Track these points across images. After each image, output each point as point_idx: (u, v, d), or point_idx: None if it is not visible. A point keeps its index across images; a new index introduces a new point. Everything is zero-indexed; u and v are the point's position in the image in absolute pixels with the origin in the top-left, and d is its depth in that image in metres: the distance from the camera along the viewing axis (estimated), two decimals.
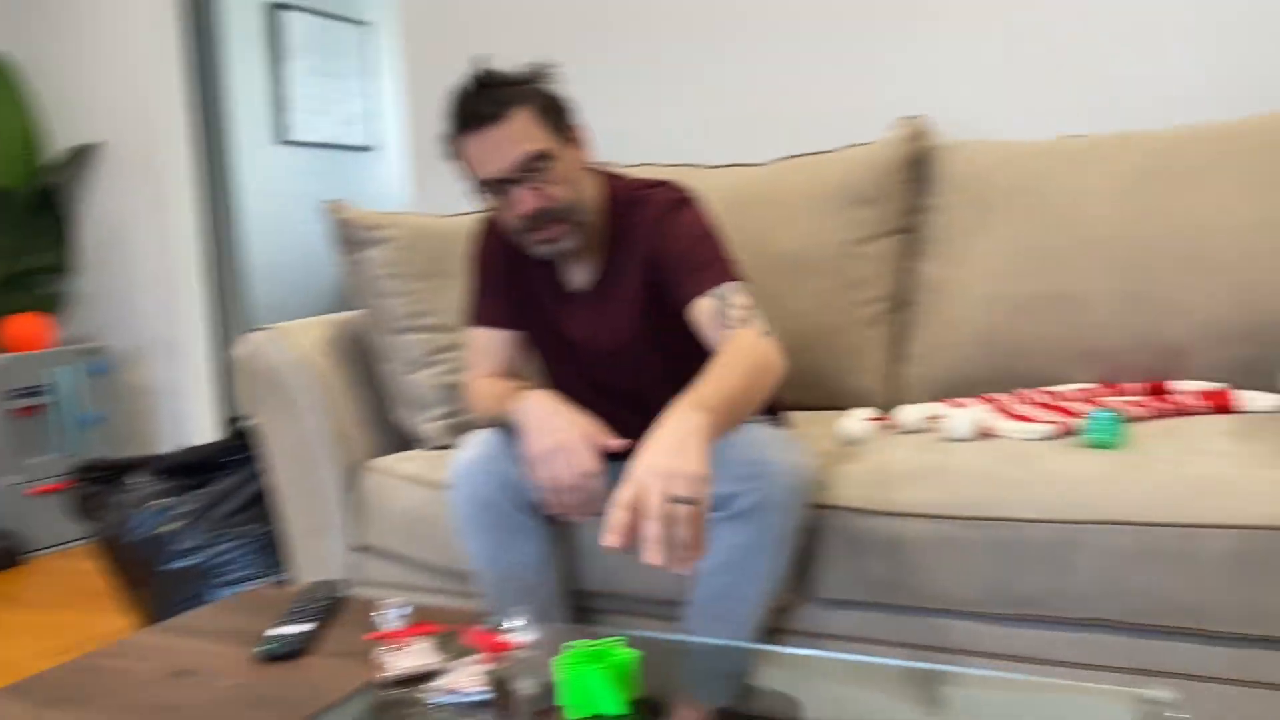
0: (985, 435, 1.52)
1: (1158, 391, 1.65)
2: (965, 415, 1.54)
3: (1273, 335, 1.62)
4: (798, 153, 2.12)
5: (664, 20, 2.41)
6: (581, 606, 1.60)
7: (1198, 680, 1.28)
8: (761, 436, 1.40)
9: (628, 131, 2.44)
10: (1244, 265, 1.67)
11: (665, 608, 1.50)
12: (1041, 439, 1.48)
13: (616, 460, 1.40)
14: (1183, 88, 1.97)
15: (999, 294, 1.81)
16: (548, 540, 1.52)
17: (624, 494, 1.09)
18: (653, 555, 1.06)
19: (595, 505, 1.38)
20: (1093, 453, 1.39)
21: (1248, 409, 1.56)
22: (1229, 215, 1.69)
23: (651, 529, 1.06)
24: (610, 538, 1.07)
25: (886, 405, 1.88)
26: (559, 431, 1.38)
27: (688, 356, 1.48)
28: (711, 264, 1.45)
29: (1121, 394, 1.66)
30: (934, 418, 1.60)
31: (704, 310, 1.42)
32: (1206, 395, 1.59)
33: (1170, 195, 1.74)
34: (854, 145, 2.03)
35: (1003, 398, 1.70)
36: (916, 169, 1.99)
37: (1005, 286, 1.81)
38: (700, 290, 1.42)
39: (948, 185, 1.94)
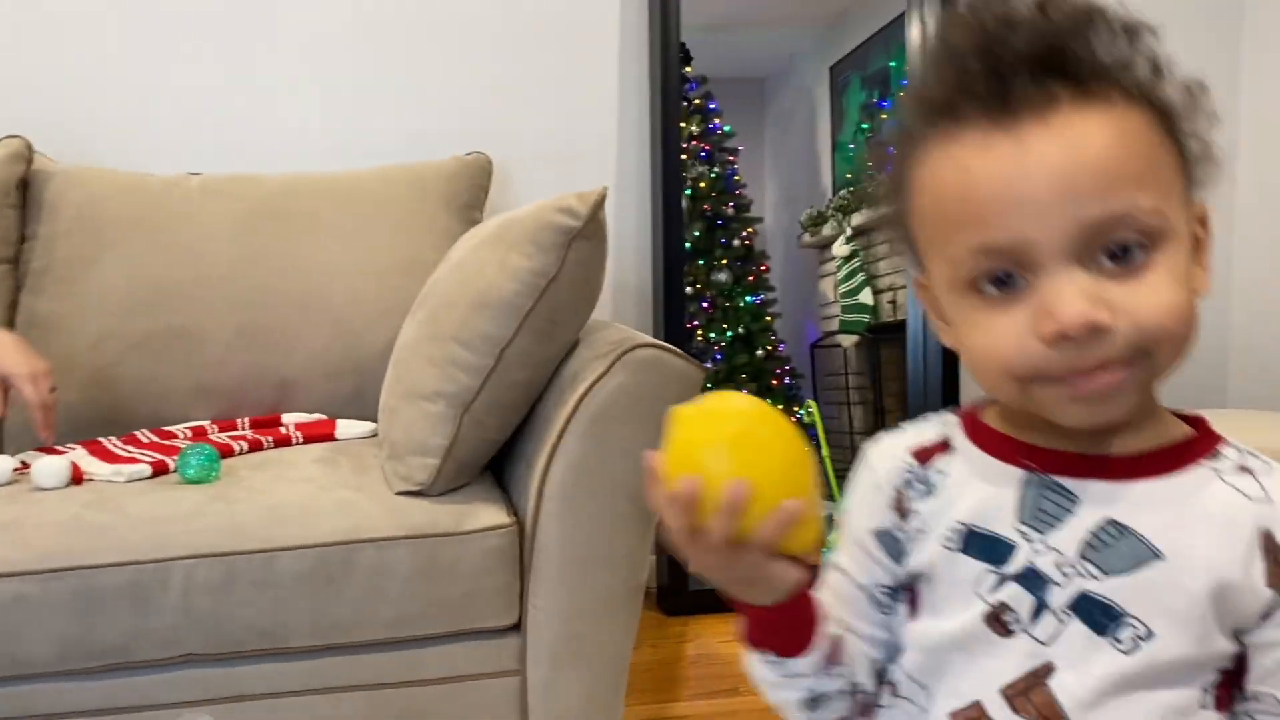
0: (78, 481, 1.44)
1: (269, 424, 1.73)
2: (55, 462, 1.43)
3: (371, 369, 1.79)
4: None
5: None
6: None
7: (282, 697, 1.35)
8: None
9: None
10: (347, 306, 1.83)
11: None
12: (138, 479, 1.44)
13: None
14: (296, 138, 2.11)
15: (113, 331, 1.73)
16: None
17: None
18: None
19: None
20: (187, 489, 1.39)
21: (345, 436, 1.71)
22: (335, 259, 1.85)
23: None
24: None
25: None
26: None
27: None
28: None
29: (234, 429, 1.70)
30: (21, 468, 1.47)
31: None
32: (310, 425, 1.71)
33: (283, 237, 1.84)
34: None
35: (108, 440, 1.63)
36: (20, 194, 1.82)
37: (120, 323, 1.74)
38: None
39: (57, 214, 1.81)
